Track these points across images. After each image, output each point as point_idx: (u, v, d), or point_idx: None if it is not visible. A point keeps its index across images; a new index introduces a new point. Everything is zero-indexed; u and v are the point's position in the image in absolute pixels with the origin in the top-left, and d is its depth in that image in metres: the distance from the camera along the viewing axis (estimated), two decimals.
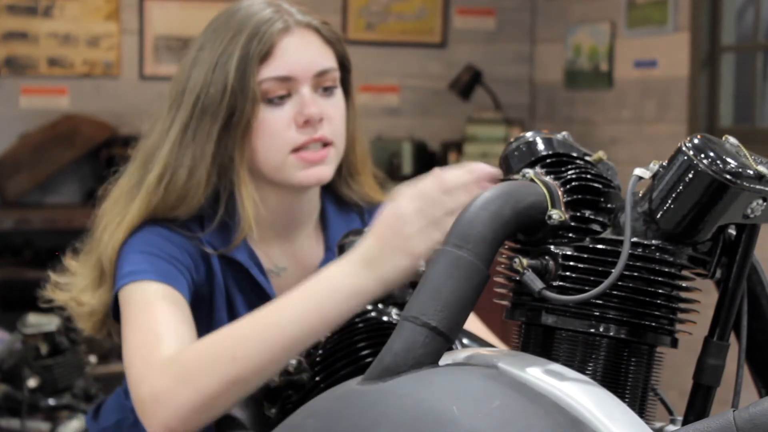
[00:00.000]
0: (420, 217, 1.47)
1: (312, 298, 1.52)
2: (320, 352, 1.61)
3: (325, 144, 1.78)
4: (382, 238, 1.49)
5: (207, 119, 1.75)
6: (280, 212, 1.83)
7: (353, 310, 1.52)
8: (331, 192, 1.91)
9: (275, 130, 1.77)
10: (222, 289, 1.79)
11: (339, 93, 1.83)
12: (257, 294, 1.81)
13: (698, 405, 1.32)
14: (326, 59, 1.81)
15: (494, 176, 1.45)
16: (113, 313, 1.74)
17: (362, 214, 1.92)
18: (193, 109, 1.76)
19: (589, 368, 1.29)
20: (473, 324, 1.89)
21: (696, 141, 1.25)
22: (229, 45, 1.76)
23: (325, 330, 1.53)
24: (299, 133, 1.77)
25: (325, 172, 1.79)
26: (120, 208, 1.77)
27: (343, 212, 1.91)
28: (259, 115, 1.76)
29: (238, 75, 1.75)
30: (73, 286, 1.81)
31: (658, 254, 1.28)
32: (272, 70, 1.76)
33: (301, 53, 1.78)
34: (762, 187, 1.24)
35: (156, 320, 1.63)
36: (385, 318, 1.60)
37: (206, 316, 1.77)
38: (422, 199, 1.48)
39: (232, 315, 1.79)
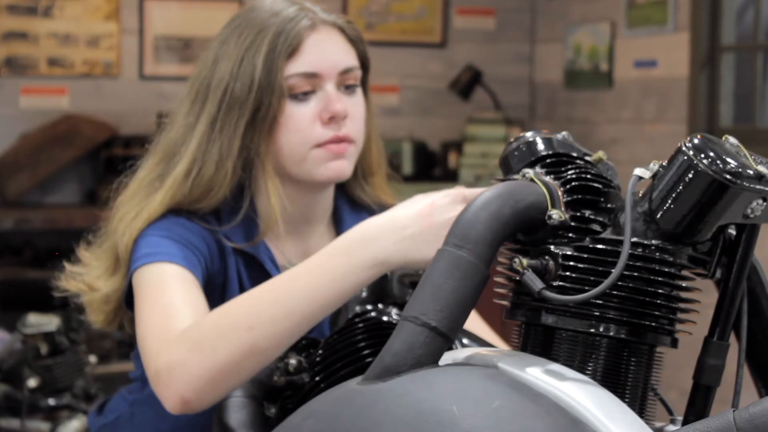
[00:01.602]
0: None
1: (329, 267, 1.49)
2: (320, 352, 1.61)
3: (347, 141, 1.80)
4: (427, 223, 1.47)
5: (234, 113, 1.77)
6: (297, 209, 1.85)
7: (371, 280, 1.50)
8: (344, 192, 1.93)
9: (300, 126, 1.78)
10: (236, 282, 1.80)
11: (360, 92, 1.85)
12: None
13: (698, 405, 1.32)
14: (350, 58, 1.83)
15: None
16: (126, 298, 1.74)
17: (373, 215, 1.92)
18: (221, 103, 1.78)
19: (589, 368, 1.29)
20: (474, 323, 1.89)
21: (696, 141, 1.25)
22: (255, 40, 1.78)
23: (342, 300, 1.50)
24: (324, 129, 1.79)
25: (345, 167, 1.81)
26: (139, 200, 1.78)
27: (356, 212, 1.93)
28: (285, 111, 1.78)
29: (266, 70, 1.77)
30: (87, 276, 1.82)
31: (658, 254, 1.28)
32: (299, 66, 1.78)
33: (327, 51, 1.80)
34: (762, 187, 1.24)
35: (171, 298, 1.63)
36: (385, 318, 1.60)
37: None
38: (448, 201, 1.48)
39: None
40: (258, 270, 1.81)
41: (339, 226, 1.90)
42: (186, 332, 1.54)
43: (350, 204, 1.93)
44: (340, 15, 1.86)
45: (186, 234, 1.74)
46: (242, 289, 1.80)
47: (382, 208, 1.90)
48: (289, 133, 1.78)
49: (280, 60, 1.77)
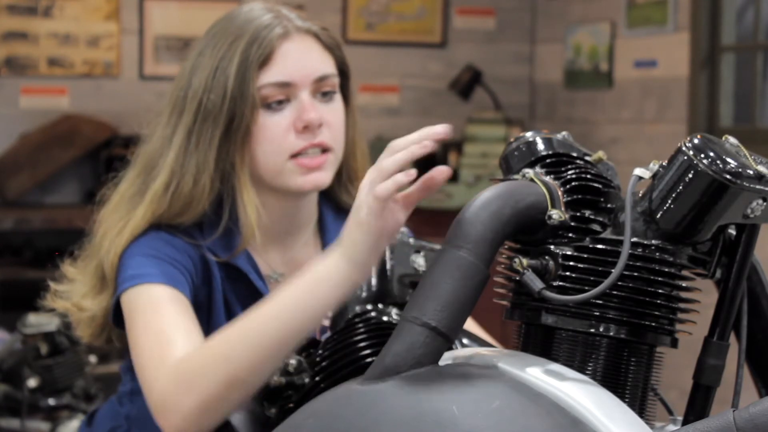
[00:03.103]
0: (369, 196, 1.47)
1: (297, 294, 1.53)
2: (320, 352, 1.61)
3: (324, 150, 1.78)
4: (349, 227, 1.51)
5: (209, 125, 1.75)
6: (279, 218, 1.83)
7: (338, 301, 1.54)
8: (329, 198, 1.91)
9: (274, 136, 1.76)
10: (220, 295, 1.79)
11: (338, 98, 1.82)
12: (256, 299, 1.80)
13: (698, 405, 1.32)
14: (325, 65, 1.80)
15: (441, 134, 1.44)
16: (114, 317, 1.74)
17: None
18: (196, 116, 1.76)
19: (589, 368, 1.29)
20: (470, 328, 1.89)
21: (696, 141, 1.25)
22: (228, 50, 1.76)
23: (312, 324, 1.54)
24: (298, 139, 1.77)
25: (324, 177, 1.79)
26: (121, 214, 1.77)
27: (341, 218, 1.91)
28: (259, 121, 1.76)
29: (238, 80, 1.74)
30: (73, 293, 1.81)
31: (658, 254, 1.28)
32: (272, 75, 1.76)
33: (301, 59, 1.78)
34: (762, 187, 1.25)
35: (165, 322, 1.64)
36: (385, 318, 1.60)
37: (205, 322, 1.77)
38: (370, 179, 1.48)
39: (231, 320, 1.79)
40: (242, 281, 1.80)
41: (324, 233, 1.89)
42: (177, 366, 1.57)
43: (336, 210, 1.91)
44: (315, 21, 1.83)
45: (171, 251, 1.73)
46: (227, 302, 1.80)
47: None
48: (264, 144, 1.76)
49: (252, 70, 1.75)
